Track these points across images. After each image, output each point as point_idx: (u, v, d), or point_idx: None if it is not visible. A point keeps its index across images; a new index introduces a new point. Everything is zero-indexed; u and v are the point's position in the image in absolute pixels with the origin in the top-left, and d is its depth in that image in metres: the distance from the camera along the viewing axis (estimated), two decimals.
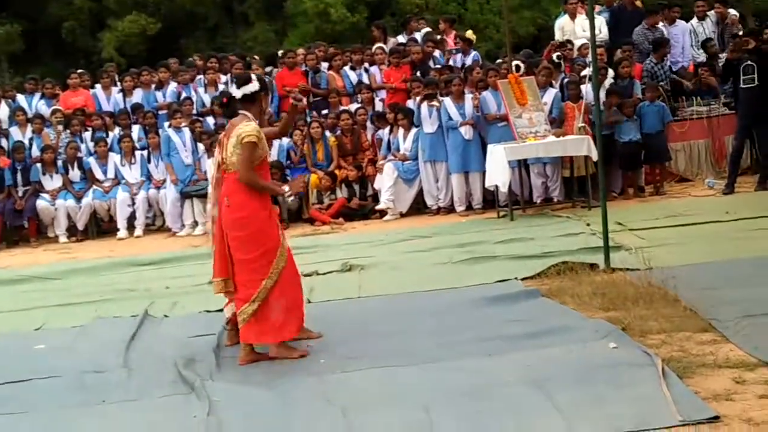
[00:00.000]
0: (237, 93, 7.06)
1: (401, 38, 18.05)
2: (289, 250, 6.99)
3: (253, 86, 6.99)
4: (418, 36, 17.73)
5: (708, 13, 16.72)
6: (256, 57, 18.10)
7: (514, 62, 14.28)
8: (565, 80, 14.46)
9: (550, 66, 14.51)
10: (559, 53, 15.36)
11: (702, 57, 16.28)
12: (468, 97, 14.27)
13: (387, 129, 15.18)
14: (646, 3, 18.92)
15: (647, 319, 6.78)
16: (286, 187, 7.48)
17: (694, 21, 16.70)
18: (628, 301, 7.35)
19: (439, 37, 17.56)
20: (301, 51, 17.75)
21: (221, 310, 8.07)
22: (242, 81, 7.09)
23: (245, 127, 6.81)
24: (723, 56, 15.30)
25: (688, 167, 15.04)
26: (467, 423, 5.12)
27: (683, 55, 16.27)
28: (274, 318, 6.78)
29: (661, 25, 16.58)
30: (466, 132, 14.14)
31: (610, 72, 14.91)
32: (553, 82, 14.43)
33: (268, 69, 17.13)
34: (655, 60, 15.42)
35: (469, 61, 16.76)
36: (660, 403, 5.04)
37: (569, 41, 16.04)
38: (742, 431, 4.64)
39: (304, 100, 7.80)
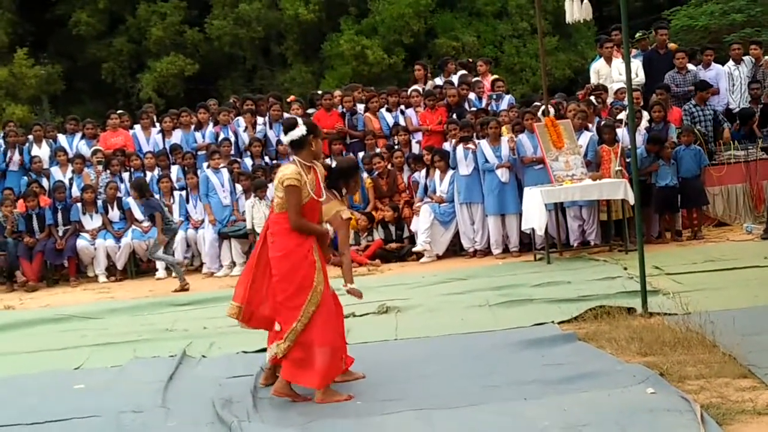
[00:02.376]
0: (284, 139, 7.13)
1: (438, 80, 18.13)
2: (326, 294, 6.99)
3: (300, 131, 7.02)
4: (454, 78, 17.81)
5: (743, 57, 16.69)
6: (300, 99, 18.23)
7: (542, 107, 14.33)
8: (601, 123, 14.45)
9: (585, 109, 14.53)
10: (595, 95, 15.39)
11: (737, 101, 16.25)
12: (504, 139, 14.29)
13: (423, 171, 15.23)
14: (682, 46, 18.99)
15: (685, 365, 6.75)
16: (329, 227, 7.49)
17: (731, 64, 16.67)
18: (666, 346, 7.32)
19: (475, 79, 17.62)
20: (338, 93, 17.90)
21: (259, 351, 8.14)
22: (288, 126, 7.13)
23: (285, 169, 6.92)
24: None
25: (725, 211, 14.99)
26: None
27: (719, 99, 16.22)
28: (317, 363, 6.79)
29: (696, 68, 16.58)
30: (503, 174, 14.17)
31: (645, 115, 14.91)
32: (589, 125, 14.43)
33: (309, 111, 17.26)
34: (695, 102, 15.41)
35: (504, 105, 16.79)
36: None
37: (603, 85, 16.06)
38: None
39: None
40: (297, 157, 7.02)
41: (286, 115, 16.45)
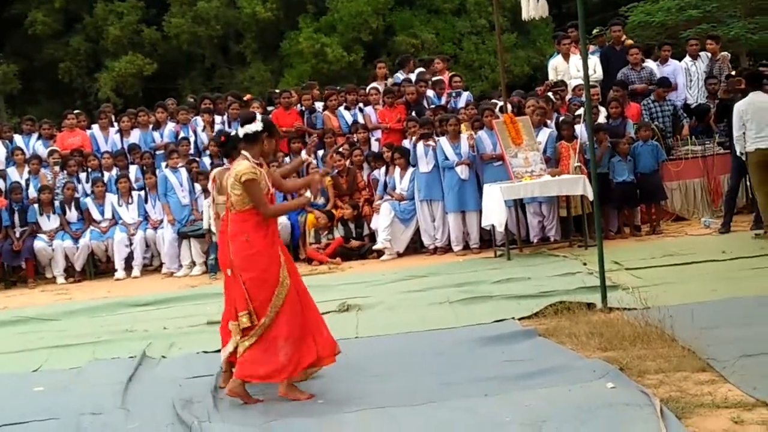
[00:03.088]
0: (240, 131, 7.11)
1: (400, 76, 18.14)
2: (293, 287, 6.95)
3: (256, 126, 7.03)
4: (412, 76, 17.82)
5: (700, 52, 16.81)
6: (259, 97, 18.16)
7: (500, 104, 14.38)
8: (560, 120, 14.50)
9: (543, 105, 14.58)
10: (553, 92, 15.45)
11: (694, 96, 16.37)
12: (464, 136, 14.31)
13: (383, 169, 15.22)
14: (639, 42, 19.10)
15: (645, 359, 6.79)
16: (308, 193, 7.43)
17: (688, 60, 16.78)
18: (626, 340, 7.36)
19: (435, 78, 17.64)
20: (298, 91, 17.88)
21: (218, 351, 8.08)
22: (246, 120, 7.14)
23: (238, 166, 6.89)
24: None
25: (684, 206, 15.09)
26: None
27: (677, 95, 16.31)
28: (280, 355, 6.77)
29: (654, 64, 16.68)
30: (462, 171, 14.18)
31: (603, 111, 14.99)
32: (548, 121, 14.48)
33: (269, 109, 17.20)
34: (653, 98, 15.51)
35: (461, 101, 16.84)
36: None
37: (563, 81, 16.13)
38: None
39: (311, 198, 7.76)
40: (247, 152, 7.01)
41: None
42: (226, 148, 7.44)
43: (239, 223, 6.93)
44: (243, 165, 6.88)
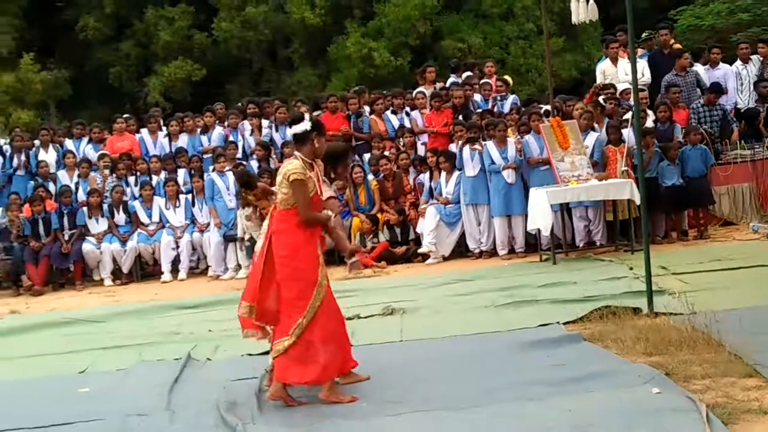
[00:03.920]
0: (289, 132, 7.16)
1: (452, 79, 18.14)
2: (328, 289, 7.01)
3: (304, 125, 7.05)
4: (461, 80, 17.82)
5: (751, 56, 16.64)
6: (304, 100, 18.20)
7: (544, 108, 14.31)
8: (607, 123, 14.41)
9: (590, 110, 14.50)
10: (603, 96, 15.33)
11: (745, 100, 16.21)
12: (511, 141, 14.27)
13: (427, 174, 15.21)
14: (688, 46, 18.93)
15: (691, 365, 6.73)
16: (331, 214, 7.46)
17: (738, 64, 16.60)
18: (672, 345, 7.30)
19: (482, 80, 17.61)
20: (350, 94, 17.95)
21: (263, 354, 8.13)
22: (294, 120, 7.16)
23: (289, 165, 6.93)
24: None
25: (732, 211, 14.94)
26: None
27: (727, 99, 16.16)
28: (320, 358, 6.79)
29: (703, 68, 16.54)
30: (509, 176, 14.13)
31: (651, 115, 14.87)
32: (596, 125, 14.38)
33: (316, 113, 17.25)
34: (703, 102, 15.37)
35: (507, 105, 16.81)
36: None
37: (612, 84, 16.02)
38: None
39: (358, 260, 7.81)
40: (299, 153, 7.04)
41: None
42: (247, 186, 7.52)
43: (284, 221, 6.96)
44: (293, 164, 6.93)
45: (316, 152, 7.18)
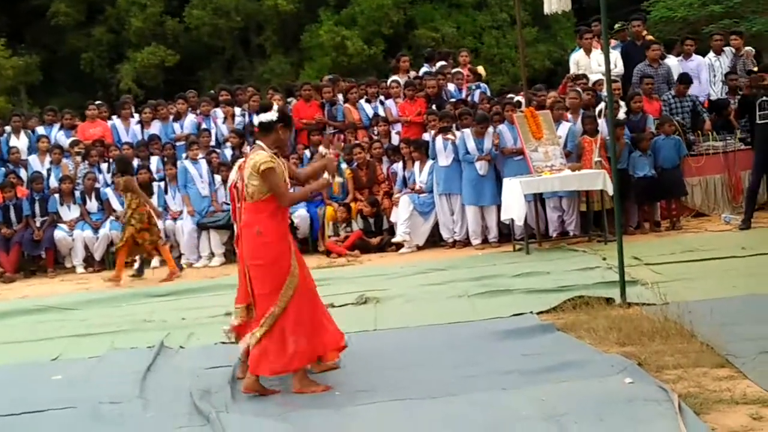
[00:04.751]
0: (255, 120, 7.11)
1: (426, 69, 18.15)
2: (301, 278, 6.95)
3: (270, 115, 7.01)
4: (434, 69, 17.83)
5: (724, 48, 16.71)
6: (278, 88, 18.14)
7: (516, 98, 14.33)
8: (582, 114, 14.44)
9: (560, 99, 14.53)
10: (581, 87, 15.32)
11: (718, 92, 16.29)
12: (489, 132, 14.25)
13: (400, 163, 15.22)
14: (661, 37, 18.98)
15: (663, 355, 6.77)
16: (325, 175, 7.37)
17: (711, 55, 16.69)
18: (644, 336, 7.33)
19: (455, 70, 17.63)
20: (324, 81, 17.93)
21: (237, 342, 8.10)
22: (263, 108, 7.13)
23: (257, 156, 6.85)
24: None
25: (704, 202, 15.02)
26: None
27: (700, 90, 16.23)
28: (288, 347, 6.76)
29: (676, 60, 16.60)
30: (482, 167, 14.13)
31: (623, 107, 14.90)
32: (570, 116, 14.41)
33: (289, 100, 17.23)
34: (674, 93, 15.43)
35: (477, 94, 16.83)
36: None
37: (584, 74, 16.06)
38: None
39: (330, 180, 7.70)
40: (261, 142, 7.00)
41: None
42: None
43: (253, 213, 6.90)
44: (260, 155, 6.85)
45: (280, 143, 7.14)
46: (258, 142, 7.05)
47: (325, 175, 7.39)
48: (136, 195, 13.59)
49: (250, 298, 7.02)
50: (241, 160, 7.30)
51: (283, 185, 6.88)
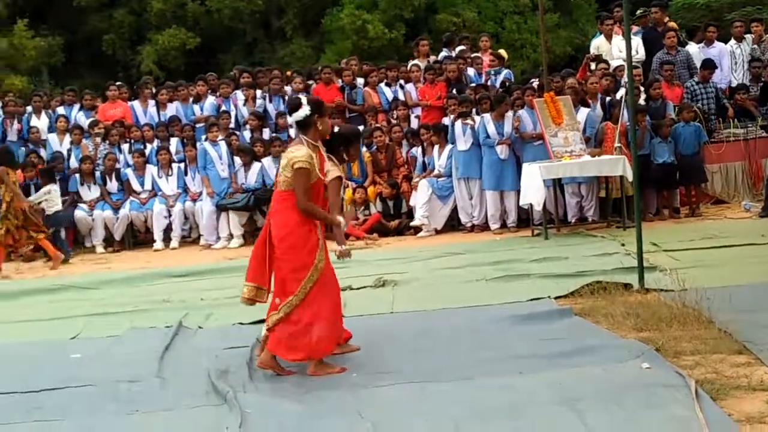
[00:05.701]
0: (290, 120, 7.09)
1: (445, 53, 18.13)
2: (327, 270, 6.97)
3: (304, 111, 6.95)
4: (454, 54, 17.79)
5: (745, 35, 16.62)
6: (300, 71, 18.13)
7: (535, 82, 14.32)
8: (607, 101, 14.39)
9: (574, 85, 14.49)
10: (599, 72, 15.26)
11: (739, 79, 16.20)
12: (509, 116, 14.24)
13: (420, 148, 15.21)
14: (683, 24, 18.88)
15: (681, 341, 6.76)
16: (341, 219, 7.27)
17: (732, 42, 16.59)
18: (662, 321, 7.32)
19: (475, 54, 17.60)
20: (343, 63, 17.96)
21: (255, 323, 8.16)
22: (293, 107, 7.06)
23: (297, 152, 6.82)
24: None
25: (724, 189, 14.98)
26: None
27: (722, 77, 16.14)
28: (311, 337, 6.77)
29: (696, 47, 16.52)
30: (502, 151, 14.13)
31: (643, 93, 14.84)
32: (590, 101, 14.37)
33: (309, 82, 17.23)
34: (697, 80, 15.36)
35: (500, 78, 16.80)
36: (693, 424, 5.02)
37: (600, 56, 16.02)
38: None
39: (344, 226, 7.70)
40: (304, 137, 6.95)
41: (287, 88, 16.44)
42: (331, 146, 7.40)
43: (281, 201, 6.91)
44: (301, 151, 6.81)
45: (322, 133, 7.11)
46: (300, 136, 7.01)
47: (341, 219, 7.30)
48: (9, 189, 13.59)
49: (267, 281, 7.00)
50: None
51: (306, 190, 6.80)
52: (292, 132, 14.91)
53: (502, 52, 18.37)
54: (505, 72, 17.32)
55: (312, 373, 6.82)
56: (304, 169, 6.76)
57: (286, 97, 16.64)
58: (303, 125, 6.98)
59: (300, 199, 6.79)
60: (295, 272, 6.81)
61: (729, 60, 16.41)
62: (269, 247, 6.98)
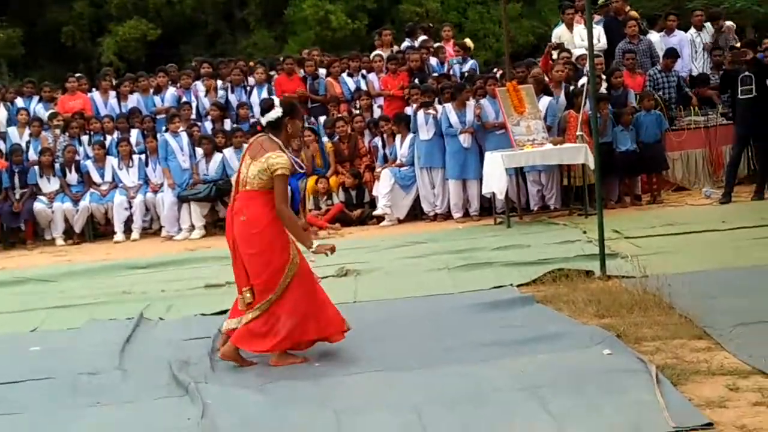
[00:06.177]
0: (262, 120, 7.02)
1: (407, 43, 18.10)
2: (303, 263, 6.91)
3: (276, 113, 6.89)
4: (417, 44, 17.78)
5: (705, 23, 16.70)
6: (264, 62, 18.03)
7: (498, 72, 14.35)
8: (570, 89, 14.43)
9: (536, 75, 14.51)
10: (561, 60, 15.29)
11: (699, 68, 16.28)
12: (470, 104, 14.25)
13: (380, 140, 15.19)
14: (644, 13, 18.95)
15: (642, 327, 6.79)
16: (316, 242, 7.06)
17: (692, 31, 16.67)
18: (623, 308, 7.36)
19: (437, 44, 17.61)
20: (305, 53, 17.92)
21: (217, 314, 8.12)
22: (266, 108, 7.00)
23: (278, 158, 6.72)
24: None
25: (685, 176, 15.07)
26: (460, 428, 5.12)
27: (682, 65, 16.22)
28: (281, 329, 6.72)
29: (658, 35, 16.59)
30: (465, 140, 14.14)
31: (604, 81, 14.89)
32: (553, 90, 14.40)
33: (271, 73, 17.17)
34: (660, 68, 15.42)
35: (466, 68, 16.82)
36: (654, 409, 5.04)
37: (567, 48, 16.05)
38: None
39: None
40: (275, 138, 6.87)
41: (251, 79, 16.39)
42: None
43: (249, 200, 6.82)
44: (282, 158, 6.72)
45: (291, 136, 7.08)
46: (271, 135, 6.92)
47: (316, 243, 7.05)
48: None
49: (249, 282, 6.89)
50: (246, 146, 7.19)
51: (287, 194, 6.75)
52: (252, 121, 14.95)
53: (468, 42, 18.34)
54: (470, 62, 17.33)
55: (274, 364, 6.78)
56: (285, 176, 6.71)
57: (248, 88, 16.63)
58: (274, 126, 6.92)
59: (280, 204, 6.72)
60: (267, 269, 6.74)
61: (689, 48, 16.48)
62: (236, 248, 6.89)
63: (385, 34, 18.25)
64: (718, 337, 6.32)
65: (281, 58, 18.09)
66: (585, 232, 11.40)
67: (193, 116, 16.31)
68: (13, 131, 16.31)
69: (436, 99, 14.83)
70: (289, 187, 6.90)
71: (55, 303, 10.00)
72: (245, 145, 7.25)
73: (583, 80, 14.31)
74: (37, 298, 10.40)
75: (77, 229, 15.54)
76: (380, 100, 16.36)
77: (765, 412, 4.93)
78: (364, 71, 16.90)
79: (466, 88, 14.44)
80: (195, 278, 10.49)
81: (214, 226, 14.93)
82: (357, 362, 6.63)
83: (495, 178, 12.93)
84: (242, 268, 6.87)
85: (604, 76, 14.88)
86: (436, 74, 16.44)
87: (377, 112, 16.15)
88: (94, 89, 17.62)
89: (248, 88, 16.69)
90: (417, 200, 14.80)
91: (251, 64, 18.03)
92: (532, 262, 9.80)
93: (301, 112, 7.46)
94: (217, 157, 15.23)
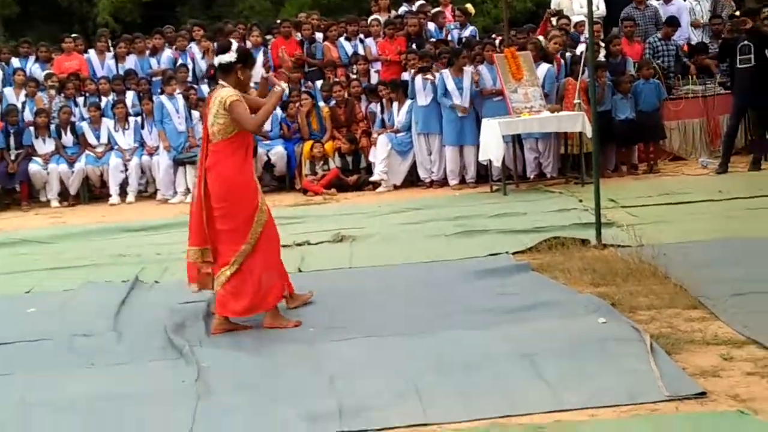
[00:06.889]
0: (215, 61, 7.00)
1: (405, 8, 18.01)
2: (269, 214, 6.94)
3: (229, 57, 6.85)
4: (414, 8, 17.70)
5: None
6: (259, 25, 17.91)
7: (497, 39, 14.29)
8: (567, 56, 14.38)
9: (535, 41, 14.47)
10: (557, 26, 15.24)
11: (698, 36, 16.24)
12: (468, 70, 14.19)
13: (378, 105, 15.13)
14: None
15: (637, 295, 6.80)
16: (279, 87, 7.11)
17: None
18: (618, 277, 7.37)
19: (435, 9, 17.52)
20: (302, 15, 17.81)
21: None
22: (221, 49, 6.98)
23: (222, 91, 6.76)
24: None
25: (682, 146, 15.04)
26: (455, 394, 5.13)
27: (681, 34, 16.15)
28: (259, 284, 6.75)
29: (657, 3, 16.52)
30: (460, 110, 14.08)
31: (602, 49, 14.84)
32: (551, 58, 14.36)
33: (267, 37, 17.06)
34: (660, 37, 15.36)
35: (465, 34, 16.74)
36: (647, 378, 5.06)
37: (566, 15, 15.99)
38: (728, 407, 4.66)
39: (285, 87, 7.54)
40: (224, 82, 6.87)
41: (248, 44, 16.32)
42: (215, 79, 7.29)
43: (215, 154, 6.80)
44: (225, 90, 6.76)
45: (241, 84, 6.99)
46: (221, 81, 6.94)
47: (276, 88, 7.18)
48: None
49: (207, 241, 6.90)
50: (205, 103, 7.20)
51: (248, 115, 6.72)
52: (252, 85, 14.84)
53: (469, 7, 18.22)
54: (470, 29, 17.25)
55: (268, 325, 6.81)
56: (238, 100, 6.69)
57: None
58: (225, 69, 6.90)
59: (250, 123, 6.74)
60: (244, 221, 6.76)
61: (688, 17, 16.43)
62: (206, 203, 6.87)
63: None
64: (713, 306, 6.34)
65: (278, 21, 17.99)
66: (581, 201, 11.41)
67: (190, 79, 16.22)
68: (9, 92, 16.24)
69: (434, 64, 14.75)
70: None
71: (50, 265, 9.99)
72: None
73: (582, 48, 14.27)
74: (32, 260, 10.40)
75: (72, 191, 15.50)
76: (377, 65, 16.29)
77: (758, 382, 4.96)
78: (361, 36, 16.81)
79: (463, 54, 14.37)
80: None
81: None
82: (350, 328, 6.62)
83: (492, 146, 12.89)
84: (201, 225, 6.86)
85: (602, 44, 14.83)
86: (433, 39, 16.36)
87: (374, 77, 16.08)
88: (90, 50, 17.51)
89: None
90: (413, 167, 14.77)
91: (248, 26, 17.88)
92: (528, 229, 9.78)
93: (254, 61, 7.45)
94: None
